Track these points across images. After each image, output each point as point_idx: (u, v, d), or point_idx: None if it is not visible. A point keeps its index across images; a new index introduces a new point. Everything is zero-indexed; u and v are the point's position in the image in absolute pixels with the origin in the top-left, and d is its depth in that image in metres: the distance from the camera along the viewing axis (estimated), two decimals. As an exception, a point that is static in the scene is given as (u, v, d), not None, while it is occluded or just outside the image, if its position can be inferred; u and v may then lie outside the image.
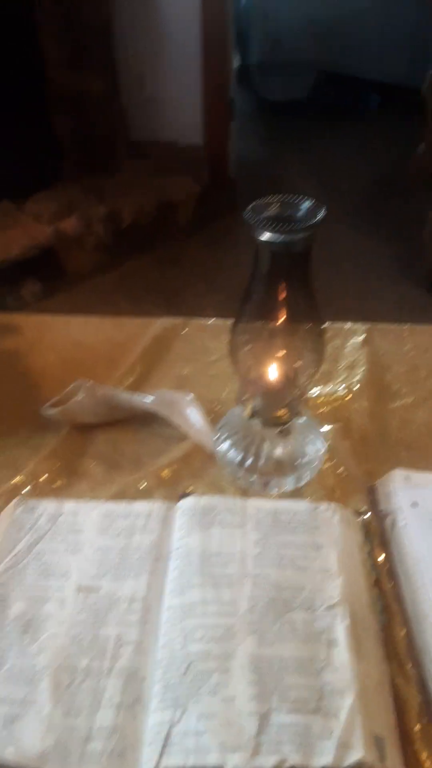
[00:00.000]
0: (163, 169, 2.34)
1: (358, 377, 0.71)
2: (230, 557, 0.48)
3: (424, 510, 0.54)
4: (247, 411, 0.54)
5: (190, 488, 0.58)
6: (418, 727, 0.41)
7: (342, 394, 0.69)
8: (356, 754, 0.36)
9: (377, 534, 0.53)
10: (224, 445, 0.57)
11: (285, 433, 0.55)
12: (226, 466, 0.58)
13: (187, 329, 0.80)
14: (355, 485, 0.58)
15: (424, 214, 1.90)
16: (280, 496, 0.57)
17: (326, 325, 0.53)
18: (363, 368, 0.73)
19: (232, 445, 0.57)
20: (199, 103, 2.45)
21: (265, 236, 0.44)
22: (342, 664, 0.41)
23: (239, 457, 0.56)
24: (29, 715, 0.40)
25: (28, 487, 0.57)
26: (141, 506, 0.54)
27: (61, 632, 0.44)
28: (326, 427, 0.63)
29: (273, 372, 0.54)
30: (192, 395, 0.64)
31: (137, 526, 0.52)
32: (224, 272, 2.17)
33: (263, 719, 0.38)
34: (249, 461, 0.56)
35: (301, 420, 0.57)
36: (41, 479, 0.58)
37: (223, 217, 2.46)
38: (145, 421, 0.65)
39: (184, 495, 0.56)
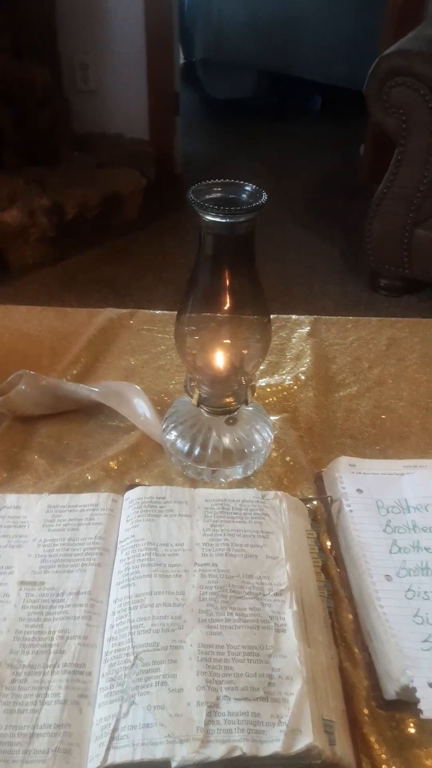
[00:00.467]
0: (108, 162, 2.31)
1: (304, 368, 0.72)
2: (178, 547, 0.48)
3: (369, 496, 0.55)
4: (195, 398, 0.53)
5: (138, 480, 0.57)
6: (366, 711, 0.42)
7: (289, 384, 0.69)
8: (305, 740, 0.36)
9: (324, 521, 0.54)
10: (172, 435, 0.56)
11: (232, 422, 0.55)
12: (174, 456, 0.57)
13: (133, 320, 0.79)
14: (303, 473, 0.58)
15: (366, 213, 1.93)
16: (228, 485, 0.56)
17: (271, 314, 0.53)
18: (309, 359, 0.73)
19: (179, 435, 0.56)
20: (144, 97, 2.43)
21: (209, 217, 0.43)
22: (290, 650, 0.41)
23: (187, 447, 0.56)
24: (-31, 715, 0.38)
25: (-32, 481, 0.55)
26: (87, 498, 0.52)
27: (3, 628, 0.42)
28: (274, 417, 0.63)
29: (219, 359, 0.54)
30: (138, 386, 0.63)
31: (83, 519, 0.50)
32: (172, 266, 2.16)
33: (212, 708, 0.37)
34: (197, 451, 0.55)
35: (249, 408, 0.57)
36: (-19, 472, 0.56)
37: (169, 212, 2.45)
38: (90, 412, 0.64)
39: (131, 486, 0.55)
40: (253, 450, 0.56)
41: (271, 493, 0.53)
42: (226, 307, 0.49)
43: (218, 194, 0.44)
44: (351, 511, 0.53)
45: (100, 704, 0.39)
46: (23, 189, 1.98)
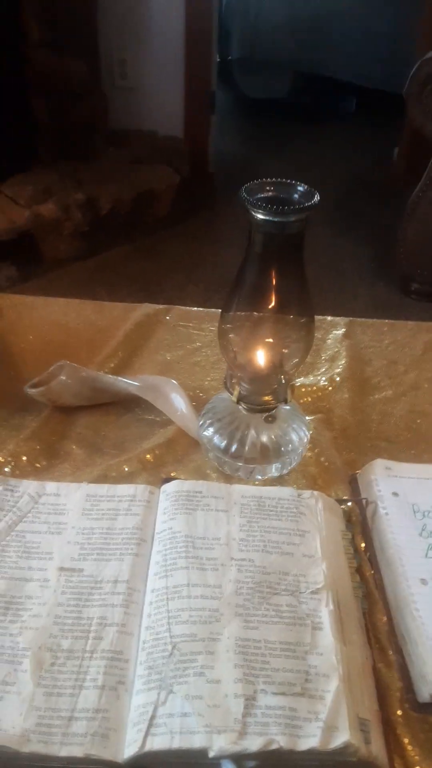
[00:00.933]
0: (142, 158, 2.32)
1: (339, 369, 0.72)
2: (215, 541, 0.48)
3: (404, 499, 0.55)
4: (235, 395, 0.54)
5: (173, 473, 0.57)
6: (399, 712, 0.42)
7: (324, 385, 0.70)
8: (342, 737, 0.36)
9: (358, 522, 0.54)
10: (209, 431, 0.57)
11: (271, 420, 0.55)
12: (211, 452, 0.57)
13: (169, 316, 0.79)
14: (337, 474, 0.58)
15: (398, 217, 1.92)
16: (263, 482, 0.57)
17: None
18: (344, 361, 0.73)
19: (216, 431, 0.57)
20: (180, 95, 2.43)
21: (261, 216, 0.44)
22: (327, 648, 0.41)
23: (224, 443, 0.56)
24: (10, 695, 0.39)
25: (9, 467, 0.56)
26: (124, 489, 0.53)
27: (43, 612, 0.43)
28: (308, 417, 0.63)
29: (260, 358, 0.54)
30: (175, 381, 0.64)
31: (121, 509, 0.51)
32: (203, 265, 2.16)
33: (249, 701, 0.38)
34: (234, 447, 0.56)
35: (287, 407, 0.57)
36: (22, 460, 0.57)
37: (201, 210, 2.45)
38: (127, 405, 0.64)
39: (168, 479, 0.55)
40: (289, 449, 0.56)
41: (307, 493, 0.53)
42: (271, 306, 0.49)
43: (270, 193, 0.45)
44: (386, 514, 0.53)
45: (138, 691, 0.39)
46: (58, 183, 2.01)
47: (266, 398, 0.55)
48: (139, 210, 2.19)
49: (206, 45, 2.35)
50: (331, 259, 2.24)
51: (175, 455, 0.59)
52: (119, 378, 0.63)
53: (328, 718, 0.37)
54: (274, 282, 0.48)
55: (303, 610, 0.43)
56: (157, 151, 2.39)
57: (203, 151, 2.56)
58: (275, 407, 0.56)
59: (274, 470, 0.57)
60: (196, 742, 0.36)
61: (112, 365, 0.70)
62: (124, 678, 0.40)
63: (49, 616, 0.43)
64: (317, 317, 0.81)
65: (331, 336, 0.78)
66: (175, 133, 2.51)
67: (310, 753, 0.36)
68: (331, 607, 0.44)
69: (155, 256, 2.19)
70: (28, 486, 0.53)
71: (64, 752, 0.37)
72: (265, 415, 0.55)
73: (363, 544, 0.52)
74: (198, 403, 0.63)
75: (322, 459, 0.59)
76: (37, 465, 0.57)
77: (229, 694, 0.38)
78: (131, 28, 2.31)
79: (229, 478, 0.57)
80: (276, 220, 0.43)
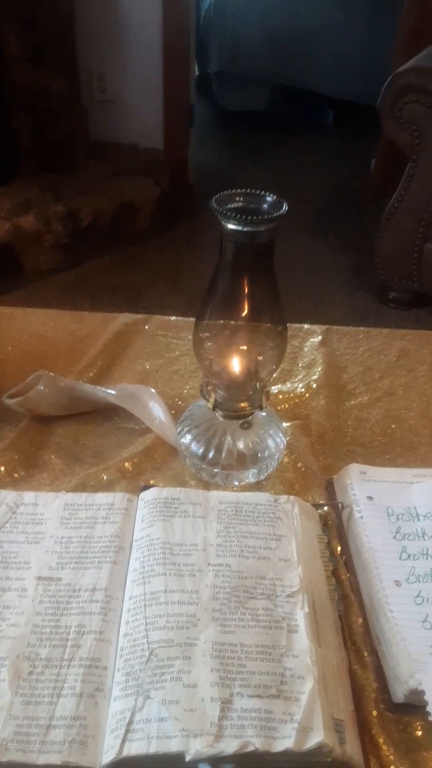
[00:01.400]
0: (123, 171, 2.33)
1: (315, 376, 0.73)
2: (192, 547, 0.49)
3: (379, 503, 0.56)
4: (211, 402, 0.54)
5: (152, 481, 0.58)
6: (374, 713, 0.42)
7: (301, 392, 0.70)
8: (317, 738, 0.37)
9: (334, 526, 0.54)
10: (187, 438, 0.58)
11: (247, 426, 0.56)
12: (188, 459, 0.58)
13: (148, 326, 0.80)
14: (314, 479, 0.59)
15: (376, 227, 1.95)
16: (241, 488, 0.57)
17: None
18: (320, 368, 0.74)
19: (194, 438, 0.57)
20: (159, 108, 2.45)
21: (232, 225, 0.45)
22: (302, 650, 0.42)
23: (201, 450, 0.57)
24: (-13, 704, 0.39)
25: (-14, 478, 0.56)
26: (102, 497, 0.53)
27: (21, 622, 0.43)
28: (286, 424, 0.64)
29: (235, 365, 0.55)
30: (154, 390, 0.64)
31: (99, 517, 0.51)
32: (184, 275, 2.17)
33: (225, 704, 0.38)
34: (211, 454, 0.56)
35: (263, 414, 0.58)
36: (0, 470, 0.57)
37: (182, 221, 2.47)
38: (106, 414, 0.65)
39: (146, 487, 0.56)
40: (266, 455, 0.57)
41: (284, 498, 0.54)
42: (244, 314, 0.50)
43: (240, 203, 0.46)
44: (362, 517, 0.54)
45: (116, 698, 0.39)
46: (39, 196, 2.01)
47: (242, 405, 0.56)
48: (120, 222, 2.20)
49: (184, 58, 2.38)
50: (310, 268, 2.26)
51: (154, 463, 0.60)
52: (98, 387, 0.64)
53: (303, 719, 0.38)
54: (246, 290, 0.49)
55: (279, 614, 0.44)
56: (137, 164, 2.40)
57: (183, 163, 2.58)
58: (251, 414, 0.56)
59: (250, 476, 0.57)
60: (173, 746, 0.36)
61: (91, 374, 0.71)
62: (102, 685, 0.40)
63: (27, 626, 0.43)
64: (294, 325, 0.83)
65: (307, 344, 0.79)
66: (155, 146, 2.53)
67: (286, 754, 0.36)
68: (307, 609, 0.44)
69: (136, 266, 2.20)
70: (6, 496, 0.53)
71: (42, 760, 0.37)
72: (241, 421, 0.56)
73: (339, 548, 0.52)
74: (177, 411, 0.64)
75: (299, 464, 0.60)
76: (16, 475, 0.57)
77: (206, 697, 0.39)
78: (109, 43, 2.33)
79: (207, 485, 0.57)
80: (246, 230, 0.44)
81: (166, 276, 2.17)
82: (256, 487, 0.58)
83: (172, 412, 0.63)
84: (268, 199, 0.46)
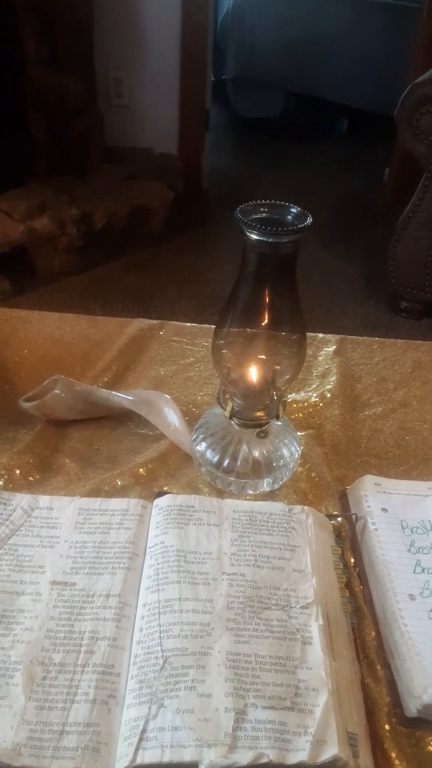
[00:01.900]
0: (137, 175, 2.34)
1: (330, 386, 0.73)
2: (207, 556, 0.49)
3: (393, 515, 0.55)
4: (228, 410, 0.54)
5: (166, 488, 0.58)
6: (387, 727, 0.42)
7: (315, 401, 0.70)
8: (331, 751, 0.37)
9: (348, 538, 0.54)
10: (202, 446, 0.58)
11: (263, 435, 0.56)
12: (203, 466, 0.58)
13: (163, 331, 0.80)
14: (327, 490, 0.59)
15: (389, 236, 1.95)
16: (255, 497, 0.57)
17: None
18: (334, 378, 0.74)
19: (208, 446, 0.57)
20: (175, 113, 2.46)
21: (255, 236, 0.45)
22: (316, 663, 0.42)
23: (216, 458, 0.57)
24: (2, 708, 0.39)
25: (2, 480, 0.57)
26: (117, 503, 0.53)
27: (35, 626, 0.43)
28: (300, 433, 0.64)
29: (253, 374, 0.55)
30: (168, 396, 0.64)
31: (113, 523, 0.51)
32: (196, 280, 2.18)
33: (239, 715, 0.38)
34: (226, 462, 0.56)
35: (278, 423, 0.58)
36: (15, 473, 0.57)
37: (195, 226, 2.48)
38: (121, 419, 0.65)
39: (160, 493, 0.56)
40: (281, 464, 0.57)
41: (298, 508, 0.54)
42: (264, 323, 0.50)
43: (264, 214, 0.46)
44: (376, 529, 0.54)
45: (129, 705, 0.39)
46: (53, 198, 2.02)
47: (258, 414, 0.56)
48: (134, 226, 2.21)
49: (202, 64, 2.39)
50: (322, 277, 2.26)
51: (168, 469, 0.60)
52: (113, 392, 0.64)
53: (317, 732, 0.37)
54: (267, 300, 0.49)
55: (293, 625, 0.44)
56: (152, 168, 2.41)
57: (197, 168, 2.59)
58: (267, 423, 0.56)
59: (265, 485, 0.57)
60: (187, 755, 0.36)
61: (106, 379, 0.71)
62: (116, 692, 0.40)
63: (41, 630, 0.43)
64: (309, 334, 0.82)
65: (322, 353, 0.79)
66: (170, 151, 2.54)
67: (300, 766, 0.36)
68: (321, 621, 0.44)
69: (149, 270, 2.21)
70: (21, 499, 0.53)
71: (54, 766, 0.37)
72: (257, 430, 0.56)
73: (352, 560, 0.52)
74: (191, 418, 0.64)
75: (313, 474, 0.60)
76: (31, 478, 0.58)
77: (220, 707, 0.38)
78: (127, 47, 2.35)
79: (221, 493, 0.57)
80: (270, 240, 0.44)
81: (179, 280, 2.17)
82: (270, 496, 0.58)
83: (186, 418, 0.63)
84: (293, 210, 0.46)
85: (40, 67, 1.97)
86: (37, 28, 1.90)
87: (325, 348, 0.80)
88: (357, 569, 0.52)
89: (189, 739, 0.37)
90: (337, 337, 0.82)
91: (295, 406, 0.69)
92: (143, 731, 0.38)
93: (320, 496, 0.58)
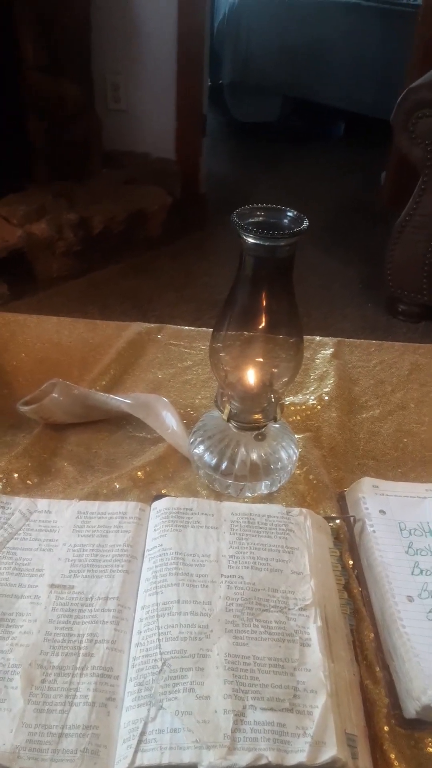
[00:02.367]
0: (135, 179, 2.35)
1: (327, 389, 0.73)
2: (205, 558, 0.49)
3: (391, 517, 0.56)
4: (225, 413, 0.55)
5: (164, 490, 0.58)
6: (386, 728, 0.42)
7: (313, 404, 0.71)
8: (330, 752, 0.37)
9: (346, 540, 0.54)
10: (200, 449, 0.58)
11: (261, 438, 0.56)
12: (201, 469, 0.58)
13: (161, 335, 0.80)
14: (325, 492, 0.59)
15: (386, 239, 1.95)
16: (253, 500, 0.57)
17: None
18: (332, 380, 0.74)
19: (206, 449, 0.58)
20: (172, 118, 2.47)
21: (252, 240, 0.45)
22: (315, 664, 0.42)
23: (214, 461, 0.57)
24: (1, 711, 0.39)
25: (0, 484, 0.57)
26: (115, 506, 0.54)
27: (33, 629, 0.43)
28: (298, 436, 0.64)
29: (251, 377, 0.55)
30: (166, 399, 0.64)
31: (111, 526, 0.52)
32: (194, 284, 2.18)
33: (238, 717, 0.38)
34: (224, 465, 0.56)
35: (276, 426, 0.58)
36: (14, 476, 0.57)
37: (193, 230, 2.48)
38: (119, 422, 0.65)
39: (159, 496, 0.56)
40: (279, 466, 0.57)
41: (296, 510, 0.54)
42: (261, 326, 0.50)
43: (261, 218, 0.46)
44: (374, 531, 0.54)
45: (128, 708, 0.40)
46: (52, 203, 2.03)
47: (256, 416, 0.56)
48: (132, 230, 2.22)
49: (198, 69, 2.40)
50: (320, 280, 2.27)
51: (166, 472, 0.60)
52: (111, 396, 0.64)
53: (316, 734, 0.38)
54: (264, 303, 0.49)
55: (291, 627, 0.44)
56: (150, 173, 2.42)
57: (195, 172, 2.60)
58: (265, 425, 0.57)
59: (263, 488, 0.57)
60: (186, 757, 0.36)
61: (104, 383, 0.71)
62: (115, 694, 0.40)
63: (40, 633, 0.43)
64: (306, 337, 0.83)
65: (319, 356, 0.79)
66: (168, 155, 2.55)
67: (298, 768, 0.36)
68: (319, 623, 0.44)
69: (147, 275, 2.21)
70: (20, 503, 0.53)
71: (53, 769, 0.37)
72: (255, 433, 0.56)
73: (351, 562, 0.52)
74: (189, 421, 0.64)
75: (311, 477, 0.60)
76: (29, 482, 0.58)
77: (219, 709, 0.39)
78: (124, 53, 2.36)
79: (219, 496, 0.58)
80: (266, 244, 0.44)
81: (177, 284, 2.18)
82: (268, 498, 0.58)
83: (184, 421, 0.63)
84: (289, 214, 0.46)
85: (38, 73, 1.98)
86: (35, 34, 1.91)
87: (322, 351, 0.81)
88: (355, 571, 0.52)
89: (188, 740, 0.37)
90: (335, 339, 0.83)
91: (292, 408, 0.70)
92: (142, 733, 0.38)
93: (318, 499, 0.58)
